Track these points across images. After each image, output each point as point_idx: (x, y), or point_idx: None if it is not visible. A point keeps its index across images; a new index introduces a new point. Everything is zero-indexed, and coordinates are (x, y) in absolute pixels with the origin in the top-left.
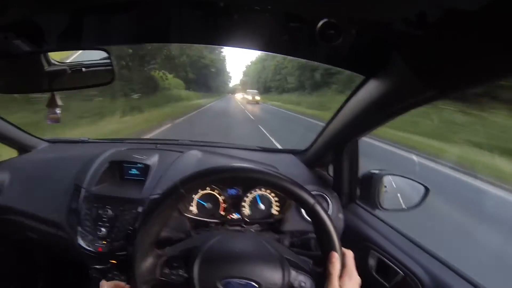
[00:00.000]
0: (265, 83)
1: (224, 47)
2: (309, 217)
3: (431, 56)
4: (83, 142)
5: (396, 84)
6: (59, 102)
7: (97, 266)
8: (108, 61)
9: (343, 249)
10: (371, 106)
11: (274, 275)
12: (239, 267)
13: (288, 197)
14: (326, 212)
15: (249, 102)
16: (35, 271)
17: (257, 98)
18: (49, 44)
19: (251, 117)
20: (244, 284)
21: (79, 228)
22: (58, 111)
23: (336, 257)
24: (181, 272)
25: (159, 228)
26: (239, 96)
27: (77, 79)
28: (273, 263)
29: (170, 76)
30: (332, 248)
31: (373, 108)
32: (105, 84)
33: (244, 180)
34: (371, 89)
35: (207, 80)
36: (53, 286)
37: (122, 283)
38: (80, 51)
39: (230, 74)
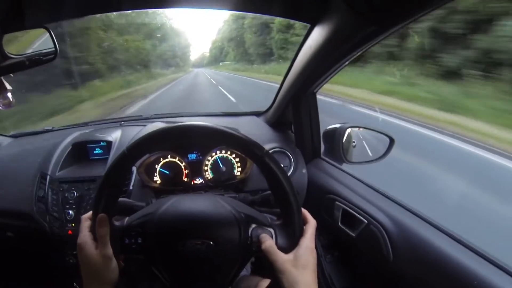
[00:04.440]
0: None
1: (175, 8)
2: (260, 170)
3: None
4: (47, 131)
5: (338, 26)
6: (8, 86)
7: (71, 251)
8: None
9: (308, 216)
10: (319, 52)
11: (230, 231)
12: (194, 228)
13: (237, 150)
14: (277, 162)
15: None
16: (13, 268)
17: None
18: None
19: (207, 75)
20: (200, 244)
21: (48, 215)
22: (9, 95)
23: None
24: (140, 240)
25: (112, 198)
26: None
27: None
28: (227, 219)
29: None
30: (287, 198)
31: (322, 54)
32: (49, 61)
33: (190, 138)
34: (317, 36)
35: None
36: (34, 280)
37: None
38: (41, 40)
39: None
